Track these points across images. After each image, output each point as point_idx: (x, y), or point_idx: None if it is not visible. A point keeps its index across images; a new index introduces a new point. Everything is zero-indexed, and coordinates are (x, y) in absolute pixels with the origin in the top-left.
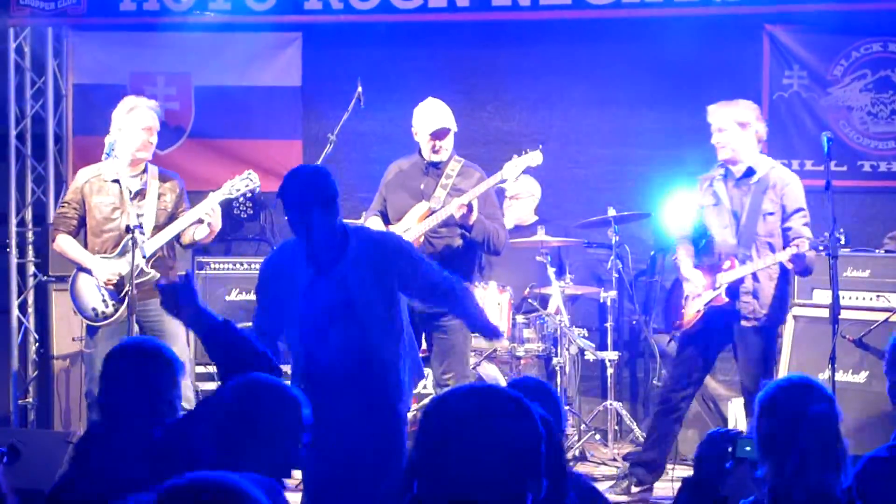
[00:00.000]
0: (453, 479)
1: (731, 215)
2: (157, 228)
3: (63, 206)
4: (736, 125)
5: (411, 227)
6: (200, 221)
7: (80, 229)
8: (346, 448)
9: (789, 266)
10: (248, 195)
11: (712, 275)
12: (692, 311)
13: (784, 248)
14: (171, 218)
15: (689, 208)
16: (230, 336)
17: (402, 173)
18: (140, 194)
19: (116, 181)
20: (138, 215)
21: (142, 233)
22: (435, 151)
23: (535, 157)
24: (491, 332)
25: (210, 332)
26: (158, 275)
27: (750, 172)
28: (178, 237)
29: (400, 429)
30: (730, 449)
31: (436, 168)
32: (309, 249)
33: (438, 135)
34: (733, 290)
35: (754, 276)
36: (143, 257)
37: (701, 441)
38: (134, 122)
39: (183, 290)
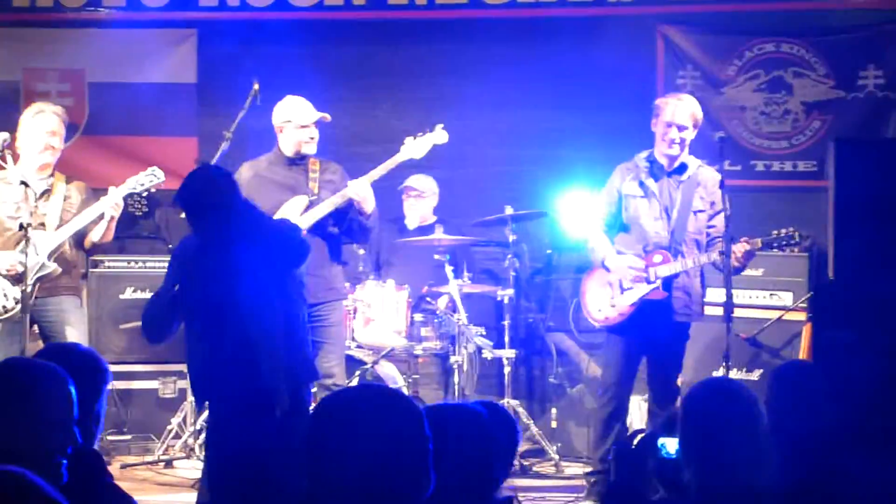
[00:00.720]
0: (339, 475)
1: (662, 209)
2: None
3: None
4: (693, 124)
5: (295, 221)
6: (101, 217)
7: None
8: (241, 439)
9: (738, 264)
10: (151, 191)
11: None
12: (625, 303)
13: (707, 246)
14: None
15: (605, 197)
16: None
17: (259, 172)
18: (45, 194)
19: (23, 182)
20: (42, 214)
21: (38, 229)
22: (307, 142)
23: (439, 136)
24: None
25: None
26: (60, 269)
27: (682, 168)
28: (80, 241)
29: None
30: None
31: (299, 163)
32: (204, 245)
33: (316, 123)
34: (667, 284)
35: (685, 272)
36: (36, 255)
37: (614, 447)
38: (38, 126)
39: None
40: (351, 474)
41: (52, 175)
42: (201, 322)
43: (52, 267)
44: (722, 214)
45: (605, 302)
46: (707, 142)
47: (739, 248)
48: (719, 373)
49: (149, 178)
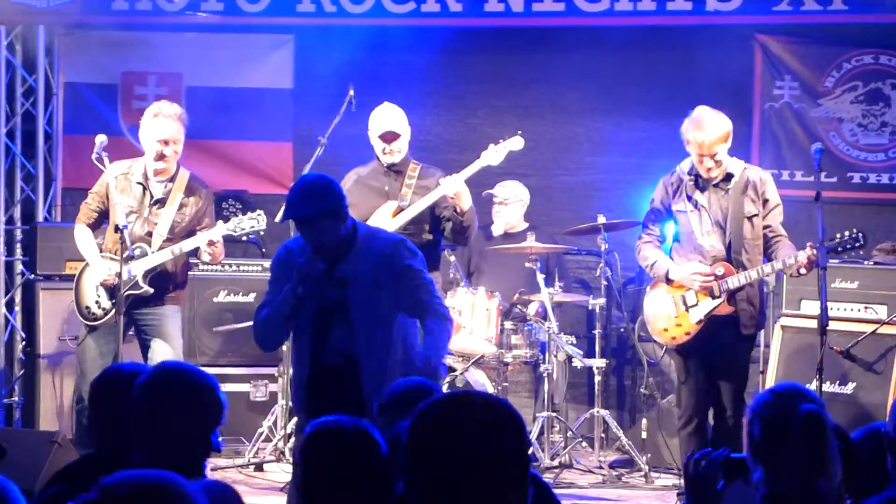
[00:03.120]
0: (439, 484)
1: (714, 222)
2: (170, 241)
3: (88, 197)
4: (724, 142)
5: (385, 226)
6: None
7: (101, 222)
8: None
9: (804, 272)
10: (251, 235)
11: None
12: (692, 321)
13: (765, 248)
14: (189, 233)
15: (654, 213)
16: None
17: (361, 178)
18: (161, 202)
19: (142, 184)
20: (154, 223)
21: (148, 242)
22: (385, 154)
23: (516, 142)
24: (431, 371)
25: None
26: (152, 290)
27: (728, 178)
28: (192, 252)
29: None
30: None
31: (396, 171)
32: (316, 251)
33: (386, 138)
34: (731, 297)
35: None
36: (132, 257)
37: (684, 464)
38: (151, 131)
39: None
40: (448, 483)
41: (172, 180)
42: (307, 328)
43: (144, 289)
44: (776, 210)
45: (670, 321)
46: (804, 153)
47: (803, 257)
48: (812, 386)
49: (250, 224)
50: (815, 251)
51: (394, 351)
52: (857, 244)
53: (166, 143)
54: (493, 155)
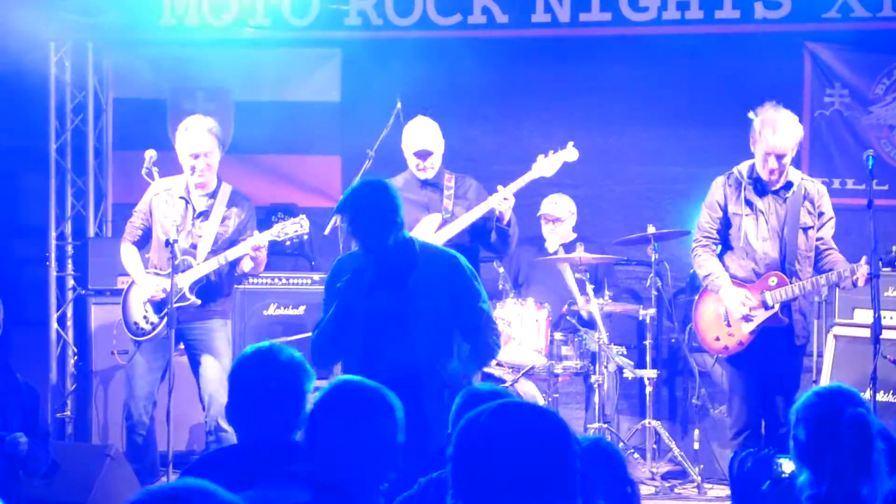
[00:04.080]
0: (487, 494)
1: (771, 229)
2: (214, 253)
3: (133, 215)
4: (794, 147)
5: (429, 239)
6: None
7: (147, 239)
8: None
9: (860, 285)
10: (296, 240)
11: (757, 291)
12: (745, 331)
13: (815, 260)
14: (232, 244)
15: (709, 212)
16: None
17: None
18: (204, 215)
19: (185, 198)
20: (198, 236)
21: (192, 255)
22: (420, 170)
23: (570, 153)
24: (455, 386)
25: None
26: (199, 301)
27: (787, 186)
28: (231, 267)
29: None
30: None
31: (432, 184)
32: (372, 261)
33: (421, 155)
34: (784, 308)
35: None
36: (181, 271)
37: (729, 465)
38: (183, 146)
39: None
40: (496, 490)
41: (214, 193)
42: (363, 343)
43: (191, 300)
44: (830, 223)
45: (722, 330)
46: (856, 160)
47: (861, 272)
48: (866, 395)
49: (294, 228)
50: (869, 265)
51: (452, 367)
52: None
53: (196, 156)
54: (547, 166)
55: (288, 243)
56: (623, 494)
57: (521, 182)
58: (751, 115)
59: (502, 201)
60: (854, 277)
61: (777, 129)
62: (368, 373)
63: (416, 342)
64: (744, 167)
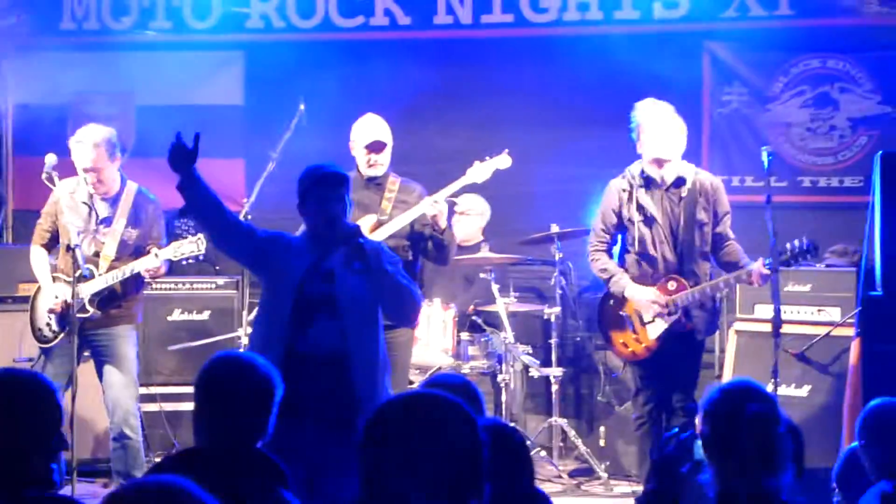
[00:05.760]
0: (395, 484)
1: (667, 231)
2: (118, 259)
3: (41, 217)
4: (680, 136)
5: None
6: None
7: (55, 242)
8: (308, 442)
9: (755, 284)
10: (191, 260)
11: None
12: (651, 337)
13: (713, 252)
14: (137, 249)
15: (603, 218)
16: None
17: None
18: (106, 221)
19: (88, 203)
20: (102, 242)
21: (95, 263)
22: (370, 166)
23: (503, 160)
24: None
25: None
26: (99, 312)
27: (679, 182)
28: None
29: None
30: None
31: (375, 183)
32: (316, 237)
33: (374, 147)
34: (687, 311)
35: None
36: (85, 277)
37: (650, 449)
38: (75, 160)
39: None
40: (407, 481)
41: (117, 198)
42: (284, 316)
43: (91, 311)
44: (726, 218)
45: (628, 337)
46: (755, 158)
47: (756, 273)
48: (768, 388)
49: (190, 248)
50: (765, 267)
51: (381, 348)
52: (808, 254)
53: (87, 170)
54: (479, 172)
55: (184, 263)
56: None
57: (453, 187)
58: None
59: (433, 205)
60: (750, 279)
61: (658, 136)
62: (288, 346)
63: (346, 323)
64: (635, 168)
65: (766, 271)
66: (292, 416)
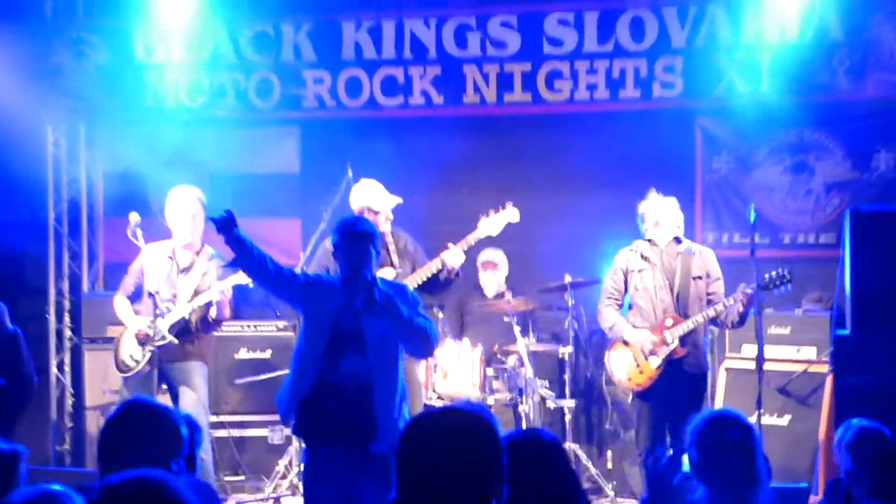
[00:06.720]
0: (428, 483)
1: (665, 275)
2: (191, 301)
3: (127, 273)
4: (676, 223)
5: None
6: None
7: (139, 294)
8: (338, 464)
9: (742, 308)
10: (243, 286)
11: (658, 332)
12: (652, 366)
13: (707, 306)
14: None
15: (612, 277)
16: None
17: None
18: (186, 270)
19: (171, 257)
20: (181, 287)
21: (172, 302)
22: (382, 224)
23: (512, 214)
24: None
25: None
26: (176, 340)
27: (678, 241)
28: (205, 316)
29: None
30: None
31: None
32: (346, 280)
33: (376, 212)
34: (682, 341)
35: (694, 330)
36: (161, 316)
37: (643, 460)
38: (179, 208)
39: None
40: (438, 482)
41: (199, 251)
42: (319, 348)
43: (170, 338)
44: (718, 282)
45: (633, 371)
46: (741, 217)
47: (739, 296)
48: (753, 418)
49: (239, 278)
50: (749, 289)
51: (400, 380)
52: (786, 280)
53: (194, 217)
54: (492, 225)
55: (251, 285)
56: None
57: (470, 240)
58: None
59: (455, 257)
60: (737, 304)
61: (658, 226)
62: (321, 376)
63: (370, 357)
64: (641, 244)
65: (744, 298)
66: (323, 441)
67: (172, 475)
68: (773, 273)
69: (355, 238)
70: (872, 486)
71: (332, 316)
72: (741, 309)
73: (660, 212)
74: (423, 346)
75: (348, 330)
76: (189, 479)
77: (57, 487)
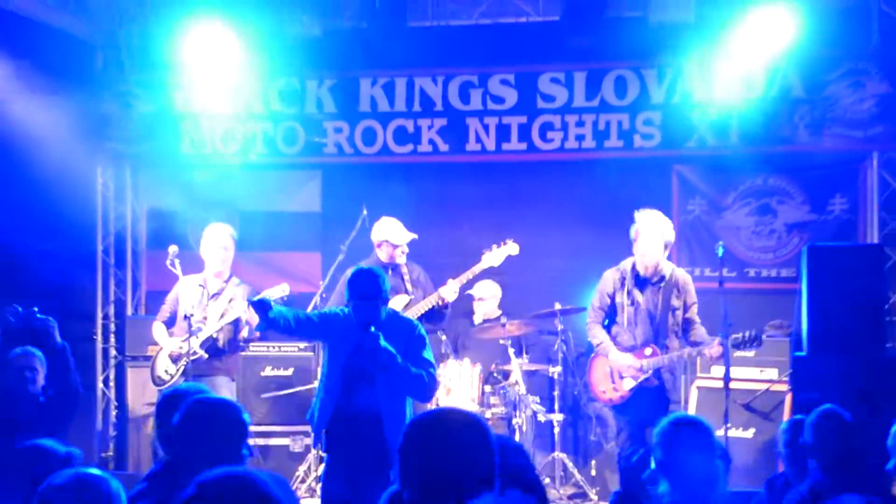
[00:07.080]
0: (428, 476)
1: (647, 314)
2: (219, 321)
3: (164, 302)
4: (663, 244)
5: None
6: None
7: (173, 321)
8: (351, 488)
9: (714, 357)
10: (280, 300)
11: (637, 357)
12: (625, 388)
13: (683, 333)
14: (238, 318)
15: (599, 297)
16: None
17: None
18: (216, 296)
19: (202, 285)
20: (210, 311)
21: (202, 322)
22: (400, 256)
23: (512, 248)
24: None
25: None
26: (207, 355)
27: (661, 279)
28: (236, 334)
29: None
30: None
31: (396, 269)
32: (366, 324)
33: (399, 245)
34: (656, 371)
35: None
36: (194, 335)
37: (618, 460)
38: (212, 241)
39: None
40: (437, 474)
41: (228, 280)
42: (338, 382)
43: (199, 353)
44: (693, 306)
45: (608, 385)
46: (711, 254)
47: (714, 351)
48: (720, 432)
49: (277, 292)
50: (721, 347)
51: (408, 411)
52: (757, 343)
53: (226, 248)
54: (494, 257)
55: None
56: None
57: (474, 271)
58: (635, 221)
59: (452, 293)
60: (708, 356)
61: (646, 243)
62: (338, 407)
63: (380, 392)
64: (628, 264)
65: (718, 351)
66: (342, 466)
67: (257, 471)
68: (748, 334)
69: (365, 299)
70: (828, 452)
71: (347, 356)
72: (713, 357)
73: (642, 223)
74: (420, 394)
75: (361, 369)
76: (270, 474)
77: (94, 471)
